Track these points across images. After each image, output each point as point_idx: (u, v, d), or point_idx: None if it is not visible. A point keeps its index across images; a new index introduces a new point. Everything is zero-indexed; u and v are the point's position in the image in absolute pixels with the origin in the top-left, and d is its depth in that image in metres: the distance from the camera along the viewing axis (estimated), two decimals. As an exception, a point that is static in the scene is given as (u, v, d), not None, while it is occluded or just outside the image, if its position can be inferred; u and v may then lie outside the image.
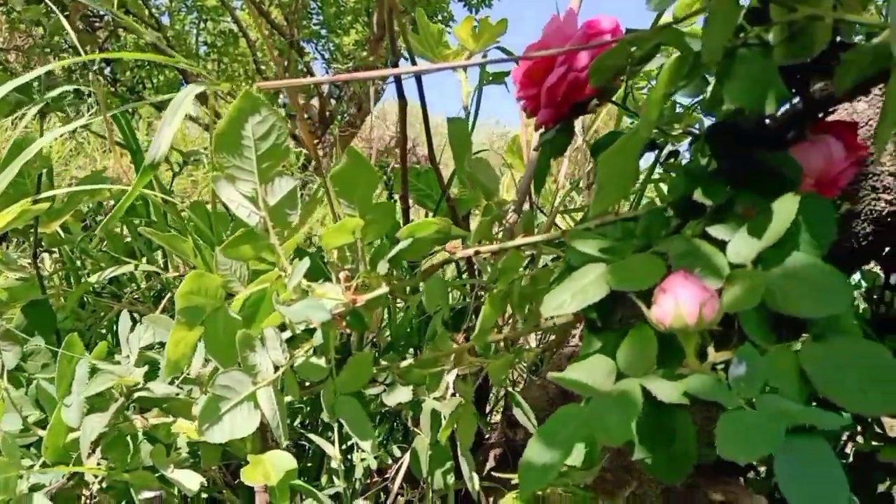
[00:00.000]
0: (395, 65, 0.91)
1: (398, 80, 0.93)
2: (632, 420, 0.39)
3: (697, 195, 0.46)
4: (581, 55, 0.62)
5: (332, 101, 6.89)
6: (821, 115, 0.49)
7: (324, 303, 0.53)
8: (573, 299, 0.45)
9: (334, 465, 0.81)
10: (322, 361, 0.56)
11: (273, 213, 0.54)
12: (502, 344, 0.66)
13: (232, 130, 0.50)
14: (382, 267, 0.54)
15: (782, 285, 0.41)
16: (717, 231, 0.46)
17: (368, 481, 0.85)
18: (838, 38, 0.44)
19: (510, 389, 0.68)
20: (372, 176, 0.53)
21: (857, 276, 1.17)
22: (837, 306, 0.39)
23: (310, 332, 0.57)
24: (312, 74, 6.34)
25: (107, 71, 6.27)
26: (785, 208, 0.42)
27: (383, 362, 0.71)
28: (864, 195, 0.66)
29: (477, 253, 0.54)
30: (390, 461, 0.81)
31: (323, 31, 7.02)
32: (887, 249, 1.02)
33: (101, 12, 5.89)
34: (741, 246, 0.43)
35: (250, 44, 6.14)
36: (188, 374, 0.65)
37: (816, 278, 0.40)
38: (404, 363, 0.65)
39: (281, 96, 7.00)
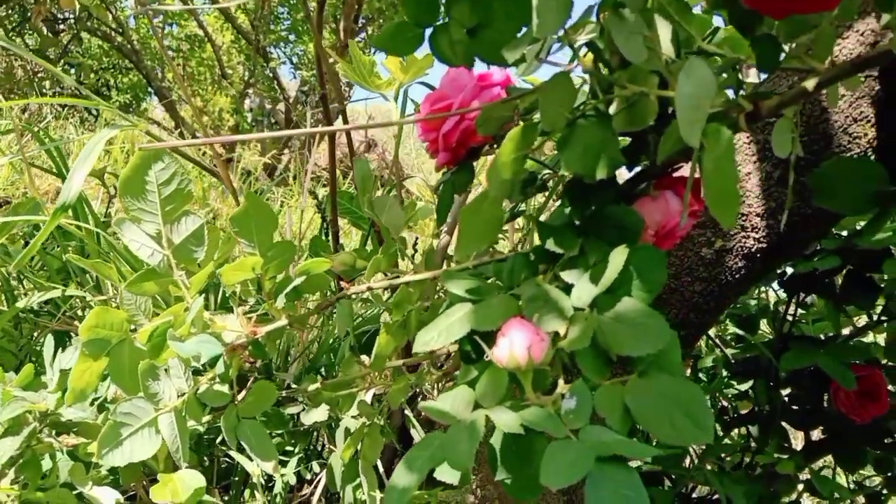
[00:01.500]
0: (325, 101, 0.96)
1: (326, 111, 0.98)
2: (474, 448, 0.44)
3: (550, 244, 0.51)
4: (474, 104, 0.67)
5: (300, 106, 6.89)
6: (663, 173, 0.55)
7: (222, 335, 0.57)
8: (440, 336, 0.50)
9: (255, 480, 0.85)
10: (225, 388, 0.60)
11: (177, 251, 0.58)
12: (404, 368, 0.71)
13: (136, 176, 0.55)
14: (280, 301, 0.58)
15: (612, 327, 0.46)
16: (567, 276, 0.51)
17: (290, 495, 0.89)
18: (670, 110, 0.50)
19: (407, 408, 0.73)
20: (270, 217, 0.58)
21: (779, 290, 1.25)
22: (655, 345, 0.45)
23: (216, 360, 0.62)
24: (279, 80, 6.35)
25: (71, 72, 6.20)
26: (617, 258, 0.47)
27: (306, 383, 0.76)
28: (734, 233, 0.73)
29: (370, 289, 0.59)
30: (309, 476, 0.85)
31: (291, 37, 7.02)
32: (789, 273, 1.10)
33: (64, 15, 5.83)
34: (582, 291, 0.49)
35: (216, 49, 6.13)
36: (105, 398, 0.68)
37: (640, 321, 0.46)
38: (312, 386, 0.69)
39: (248, 101, 6.99)
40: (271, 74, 6.46)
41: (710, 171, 0.38)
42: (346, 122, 0.91)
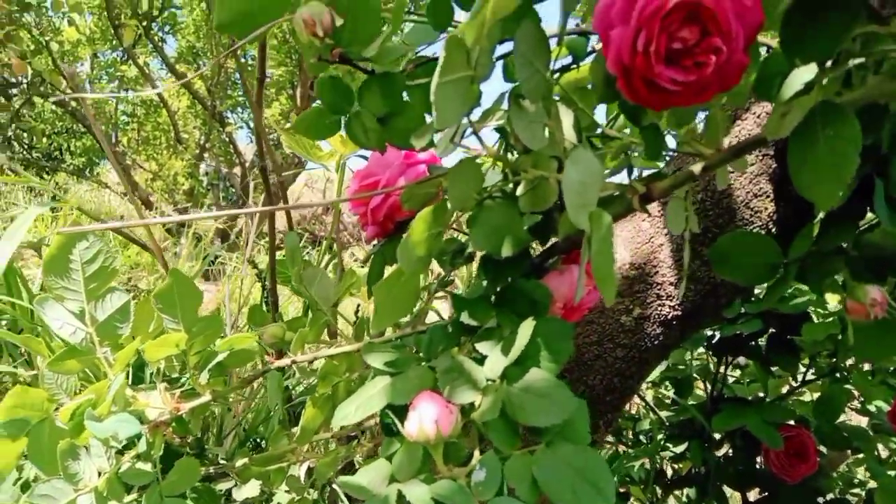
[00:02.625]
0: (264, 174, 0.98)
1: (266, 185, 1.00)
2: (386, 522, 0.45)
3: (465, 317, 0.53)
4: (400, 181, 0.70)
5: (256, 171, 6.91)
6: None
7: (146, 412, 0.57)
8: (357, 411, 0.52)
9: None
10: (148, 466, 0.60)
11: (101, 328, 0.58)
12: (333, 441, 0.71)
13: (60, 255, 0.55)
14: (203, 377, 0.59)
15: (520, 398, 0.48)
16: (483, 347, 0.53)
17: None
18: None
19: (336, 480, 0.73)
20: (195, 293, 0.59)
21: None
22: (560, 416, 0.47)
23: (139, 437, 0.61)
24: (235, 144, 6.38)
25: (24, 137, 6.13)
26: (524, 331, 0.50)
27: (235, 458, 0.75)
28: (651, 301, 0.76)
29: (294, 362, 0.60)
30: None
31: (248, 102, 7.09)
32: (717, 338, 1.14)
33: (16, 79, 5.80)
34: (493, 362, 0.51)
35: (171, 113, 6.15)
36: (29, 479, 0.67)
37: (546, 391, 0.48)
38: (240, 462, 0.69)
39: (203, 165, 6.98)
40: (227, 139, 6.48)
41: (595, 253, 0.40)
42: (284, 196, 0.93)
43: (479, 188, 0.50)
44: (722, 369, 1.17)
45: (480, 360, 0.53)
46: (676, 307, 0.76)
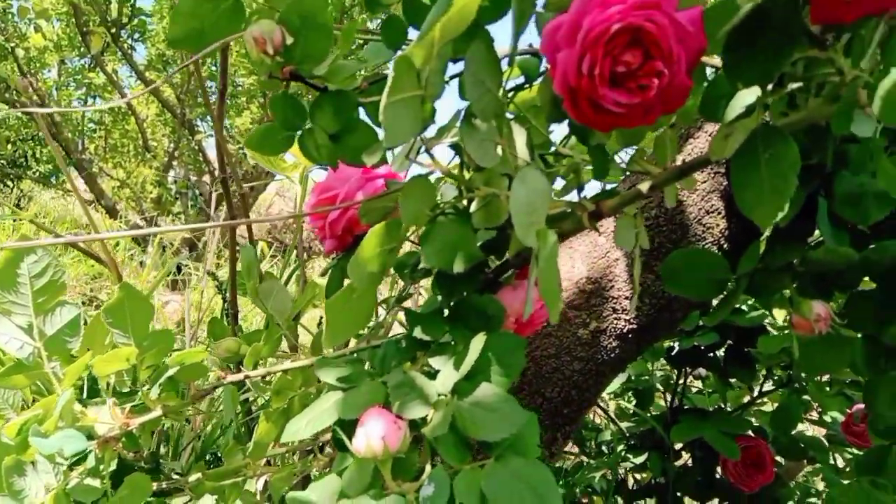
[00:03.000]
0: (225, 186, 0.98)
1: (228, 197, 1.00)
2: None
3: (418, 332, 0.54)
4: (358, 195, 0.70)
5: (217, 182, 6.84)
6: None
7: (95, 428, 0.57)
8: (307, 426, 0.51)
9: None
10: (97, 482, 0.59)
11: (50, 343, 0.58)
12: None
13: (8, 270, 0.55)
14: (154, 391, 0.58)
15: (470, 412, 0.49)
16: (435, 362, 0.54)
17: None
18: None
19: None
20: (145, 306, 0.58)
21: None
22: (509, 429, 0.47)
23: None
24: (204, 153, 6.31)
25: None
26: (475, 345, 0.50)
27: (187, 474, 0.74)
28: (607, 315, 0.77)
29: (247, 377, 0.60)
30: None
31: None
32: (676, 350, 1.15)
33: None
34: (444, 377, 0.51)
35: (139, 122, 6.08)
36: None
37: (496, 405, 0.49)
38: (193, 477, 0.68)
39: (172, 173, 6.89)
40: (197, 147, 6.42)
41: (540, 270, 0.41)
42: (245, 209, 0.92)
43: (432, 204, 0.51)
44: (682, 381, 1.18)
45: (434, 374, 0.53)
46: (632, 321, 0.77)
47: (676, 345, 1.13)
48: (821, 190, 0.58)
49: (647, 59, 0.43)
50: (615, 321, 0.77)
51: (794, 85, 0.47)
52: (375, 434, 0.45)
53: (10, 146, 6.72)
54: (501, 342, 0.52)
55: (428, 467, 0.51)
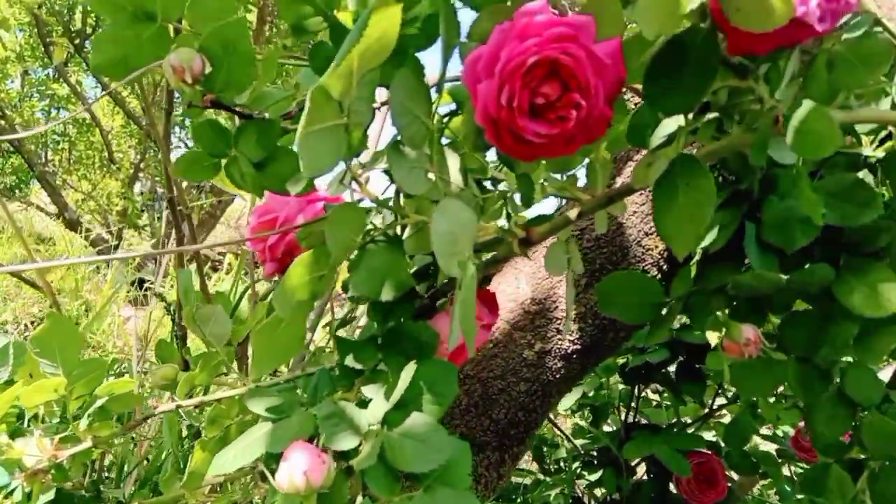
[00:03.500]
0: (172, 206, 0.96)
1: (175, 218, 0.98)
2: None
3: (349, 360, 0.53)
4: (299, 218, 0.70)
5: (193, 191, 6.77)
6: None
7: (23, 460, 0.55)
8: (235, 458, 0.51)
9: None
10: (23, 516, 0.57)
11: (-26, 374, 0.56)
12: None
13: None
14: (83, 423, 0.57)
15: (399, 443, 0.48)
16: (368, 391, 0.53)
17: None
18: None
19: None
20: (74, 335, 0.57)
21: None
22: (438, 461, 0.47)
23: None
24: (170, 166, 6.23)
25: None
26: (406, 374, 0.50)
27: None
28: (551, 336, 0.78)
29: (179, 407, 0.59)
30: None
31: (186, 121, 6.96)
32: (628, 367, 1.16)
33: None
34: (375, 407, 0.51)
35: (104, 133, 5.99)
36: None
37: (426, 436, 0.48)
38: (129, 507, 0.67)
39: (138, 185, 6.79)
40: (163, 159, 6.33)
41: (459, 301, 0.41)
42: (192, 233, 0.91)
43: (361, 232, 0.50)
44: (637, 397, 1.19)
45: (368, 403, 0.53)
46: (576, 342, 0.77)
47: (629, 361, 1.13)
48: (751, 214, 0.59)
49: (565, 91, 0.43)
50: (559, 342, 0.78)
51: (712, 116, 0.47)
52: (298, 469, 0.45)
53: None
54: (433, 370, 0.52)
55: (360, 499, 0.51)
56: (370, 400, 0.53)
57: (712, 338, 0.61)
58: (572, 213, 0.52)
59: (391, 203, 0.54)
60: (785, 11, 0.37)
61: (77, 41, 5.13)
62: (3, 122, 5.61)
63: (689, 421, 1.25)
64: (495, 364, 0.80)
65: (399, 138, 0.50)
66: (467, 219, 0.44)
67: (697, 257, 0.60)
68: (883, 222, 0.57)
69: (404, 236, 0.53)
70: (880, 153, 0.62)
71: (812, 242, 0.62)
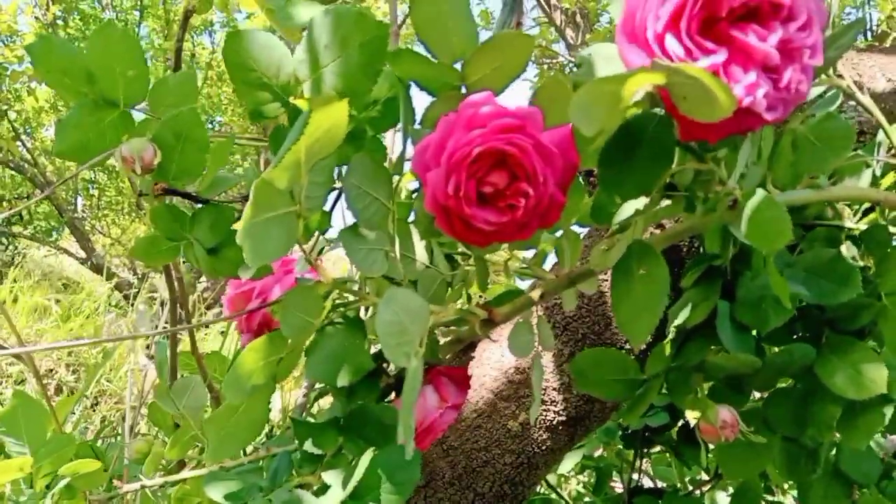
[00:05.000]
0: (167, 272, 0.97)
1: (171, 286, 0.99)
2: None
3: (308, 445, 0.52)
4: (275, 290, 0.70)
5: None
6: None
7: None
8: (190, 546, 0.50)
9: None
10: None
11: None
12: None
13: None
14: (47, 502, 0.57)
15: (353, 536, 0.47)
16: (328, 476, 0.52)
17: None
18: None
19: None
20: (41, 413, 0.57)
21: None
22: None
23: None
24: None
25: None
26: (363, 462, 0.49)
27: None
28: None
29: (143, 487, 0.58)
30: None
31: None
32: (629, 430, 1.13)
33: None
34: (331, 497, 0.49)
35: (132, 179, 6.12)
36: None
37: (380, 530, 0.47)
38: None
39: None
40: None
41: (402, 394, 0.40)
42: (185, 302, 0.92)
43: (319, 314, 0.50)
44: (639, 461, 1.15)
45: (326, 489, 0.52)
46: (560, 413, 0.75)
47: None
48: (727, 291, 0.57)
49: (513, 180, 0.42)
50: (544, 412, 0.76)
51: (666, 202, 0.47)
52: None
53: (5, 204, 6.77)
54: (393, 457, 0.50)
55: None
56: (331, 486, 0.52)
57: (691, 417, 0.58)
58: (535, 294, 0.51)
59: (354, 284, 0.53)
60: (729, 103, 0.37)
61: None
62: (35, 170, 5.78)
63: (705, 478, 1.21)
64: (479, 435, 0.78)
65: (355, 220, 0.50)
66: (417, 307, 0.43)
67: (671, 335, 0.59)
68: (865, 299, 0.55)
69: (366, 317, 0.53)
70: (863, 225, 0.60)
71: (794, 318, 0.60)
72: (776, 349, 0.57)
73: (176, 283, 0.94)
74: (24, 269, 4.40)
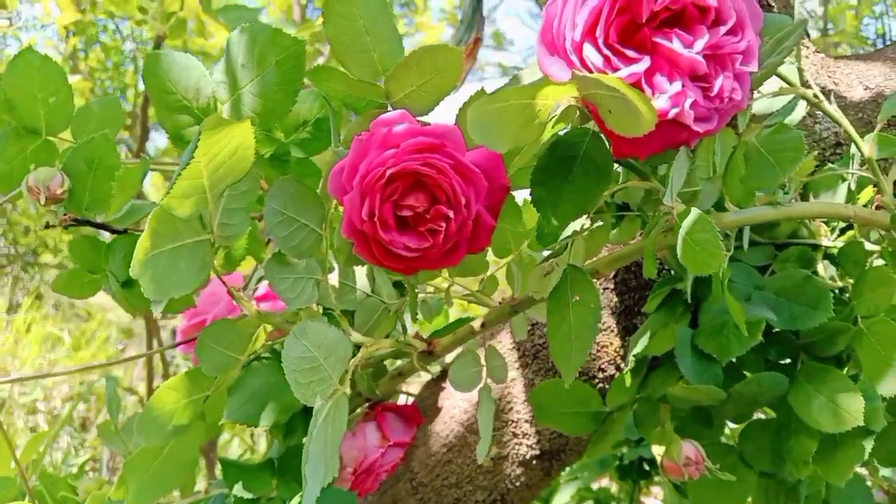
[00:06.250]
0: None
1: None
2: None
3: (237, 489, 0.49)
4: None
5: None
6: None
7: None
8: None
9: None
10: None
11: None
12: None
13: None
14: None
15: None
16: (261, 522, 0.49)
17: None
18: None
19: None
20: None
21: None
22: None
23: None
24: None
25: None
26: (293, 508, 0.45)
27: None
28: (507, 440, 0.72)
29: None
30: None
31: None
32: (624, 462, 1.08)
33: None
34: (259, 544, 0.46)
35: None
36: None
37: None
38: None
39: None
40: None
41: (322, 437, 0.37)
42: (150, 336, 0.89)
43: (244, 350, 0.47)
44: (636, 494, 1.11)
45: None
46: (534, 446, 0.71)
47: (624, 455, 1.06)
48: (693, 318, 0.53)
49: (433, 202, 0.39)
50: (517, 446, 0.72)
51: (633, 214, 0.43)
52: None
53: (31, 235, 6.88)
54: (329, 501, 0.47)
55: None
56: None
57: (657, 453, 0.54)
58: (475, 325, 0.48)
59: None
60: (650, 115, 0.33)
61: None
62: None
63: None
64: (450, 471, 0.75)
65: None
66: (334, 341, 0.40)
67: (631, 365, 0.55)
68: (840, 323, 0.51)
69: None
70: (841, 242, 0.56)
71: (768, 344, 0.56)
72: (747, 378, 0.53)
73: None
74: (39, 300, 4.43)
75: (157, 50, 0.45)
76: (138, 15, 1.24)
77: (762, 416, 0.59)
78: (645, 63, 0.35)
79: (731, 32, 0.35)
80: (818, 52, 0.66)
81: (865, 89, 0.62)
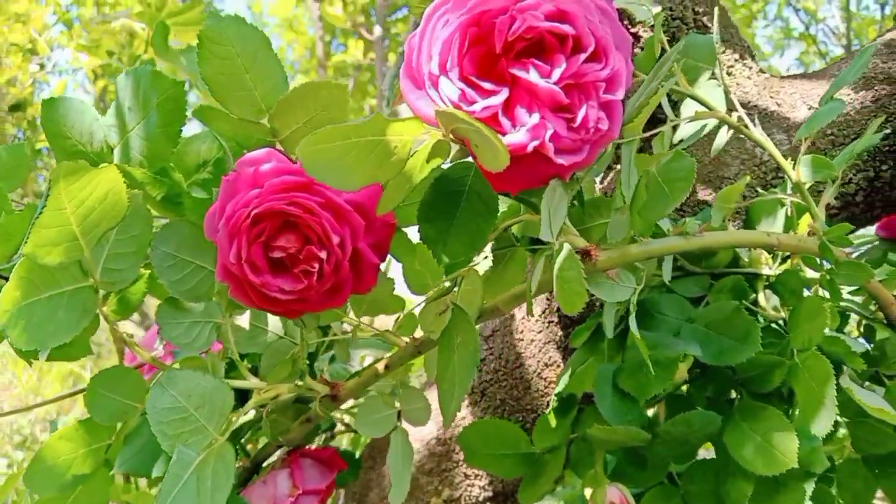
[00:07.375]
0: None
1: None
2: None
3: (141, 540, 0.48)
4: (168, 359, 0.66)
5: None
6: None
7: None
8: None
9: None
10: None
11: None
12: None
13: None
14: None
15: None
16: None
17: None
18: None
19: None
20: None
21: None
22: None
23: None
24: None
25: None
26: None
27: None
28: (459, 482, 0.70)
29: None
30: None
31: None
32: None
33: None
34: None
35: None
36: None
37: None
38: None
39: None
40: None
41: (163, 485, 0.35)
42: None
43: (140, 398, 0.46)
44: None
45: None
46: (486, 487, 0.69)
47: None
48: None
49: (306, 242, 0.38)
50: (469, 488, 0.69)
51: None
52: None
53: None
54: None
55: None
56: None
57: (587, 497, 0.51)
58: (380, 366, 0.46)
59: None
60: (503, 150, 0.32)
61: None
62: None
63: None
64: (401, 513, 0.72)
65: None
66: (209, 389, 0.39)
67: (554, 404, 0.52)
68: (774, 357, 0.48)
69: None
70: (780, 270, 0.54)
71: (706, 379, 0.53)
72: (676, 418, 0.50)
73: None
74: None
75: (52, 97, 0.45)
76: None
77: (706, 457, 0.55)
78: (502, 95, 0.33)
79: (592, 59, 0.34)
80: (762, 72, 0.63)
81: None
